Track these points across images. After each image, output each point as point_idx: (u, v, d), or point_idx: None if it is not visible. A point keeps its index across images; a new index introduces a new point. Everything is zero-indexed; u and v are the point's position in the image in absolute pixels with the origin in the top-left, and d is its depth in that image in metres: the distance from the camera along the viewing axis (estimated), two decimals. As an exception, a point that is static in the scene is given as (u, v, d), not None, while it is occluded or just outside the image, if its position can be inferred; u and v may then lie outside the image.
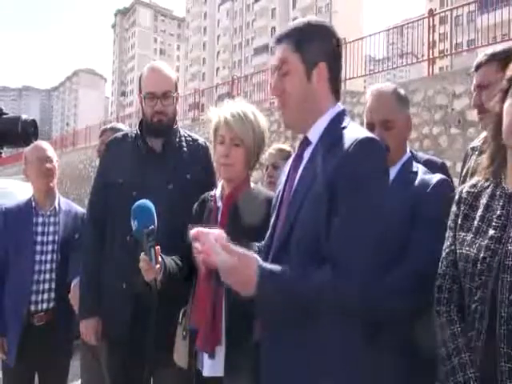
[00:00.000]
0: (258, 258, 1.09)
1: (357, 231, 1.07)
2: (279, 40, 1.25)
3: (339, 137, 1.15)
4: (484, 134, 1.80)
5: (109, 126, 2.94)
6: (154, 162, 1.91)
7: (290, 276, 1.08)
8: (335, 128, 1.19)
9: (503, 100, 1.09)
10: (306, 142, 1.25)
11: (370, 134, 1.15)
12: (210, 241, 1.12)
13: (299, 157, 1.26)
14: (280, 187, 1.32)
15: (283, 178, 1.33)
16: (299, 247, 1.13)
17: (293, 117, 1.25)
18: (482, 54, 1.75)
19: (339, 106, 1.25)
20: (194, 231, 1.21)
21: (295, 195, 1.19)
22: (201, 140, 2.08)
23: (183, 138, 2.01)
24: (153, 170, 1.88)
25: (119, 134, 2.08)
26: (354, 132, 1.15)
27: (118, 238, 1.87)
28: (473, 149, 1.90)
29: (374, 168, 1.11)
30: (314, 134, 1.22)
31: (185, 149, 1.98)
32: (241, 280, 1.08)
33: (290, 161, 1.33)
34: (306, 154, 1.23)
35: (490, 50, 1.73)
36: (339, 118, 1.22)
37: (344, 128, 1.18)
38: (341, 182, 1.08)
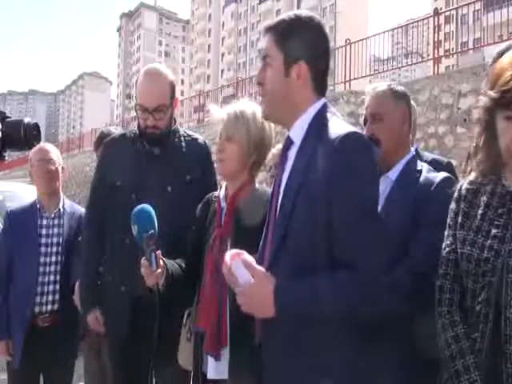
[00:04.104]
0: (272, 277, 1.09)
1: (362, 230, 1.07)
2: (266, 30, 1.26)
3: (322, 135, 1.15)
4: None
5: (103, 132, 2.83)
6: (152, 164, 1.88)
7: (308, 291, 1.07)
8: (318, 127, 1.18)
9: (493, 111, 1.05)
10: (289, 143, 1.25)
11: (351, 128, 1.13)
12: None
13: (284, 158, 1.26)
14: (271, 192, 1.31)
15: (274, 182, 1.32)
16: (294, 252, 1.13)
17: (269, 108, 1.26)
18: (504, 45, 1.70)
19: (320, 102, 1.23)
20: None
21: (284, 201, 1.18)
22: (200, 139, 2.04)
23: (182, 138, 1.97)
24: (152, 172, 1.86)
25: (117, 135, 2.05)
26: (336, 128, 1.14)
27: (117, 241, 1.86)
28: None
29: (360, 162, 1.10)
30: (297, 133, 1.22)
31: (184, 149, 1.94)
32: (258, 302, 1.09)
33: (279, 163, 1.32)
34: (291, 155, 1.23)
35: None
36: (321, 115, 1.21)
37: (326, 125, 1.17)
38: (331, 181, 1.08)
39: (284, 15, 1.27)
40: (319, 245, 1.10)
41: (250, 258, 1.14)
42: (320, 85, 1.25)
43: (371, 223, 1.09)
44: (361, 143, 1.12)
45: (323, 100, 1.24)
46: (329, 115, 1.21)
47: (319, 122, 1.19)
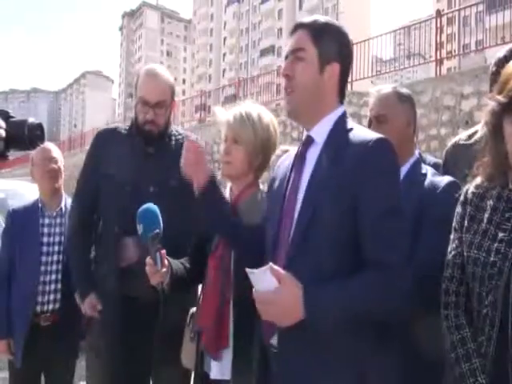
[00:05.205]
0: (299, 282, 1.06)
1: (393, 231, 1.10)
2: (299, 26, 1.25)
3: (348, 138, 1.17)
4: (473, 129, 1.77)
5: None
6: (148, 161, 1.89)
7: (338, 294, 1.07)
8: (342, 130, 1.21)
9: (501, 115, 1.05)
10: (309, 142, 1.25)
11: (377, 134, 1.17)
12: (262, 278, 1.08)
13: (301, 157, 1.25)
14: (279, 188, 1.30)
15: (279, 179, 1.32)
16: (315, 254, 1.12)
17: (296, 105, 1.24)
18: (504, 49, 1.71)
19: (342, 108, 1.26)
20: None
21: (308, 196, 1.17)
22: (193, 137, 2.07)
23: (173, 138, 1.98)
24: (147, 170, 1.87)
25: (109, 127, 2.08)
26: (362, 133, 1.18)
27: (108, 234, 1.88)
28: (463, 145, 1.76)
29: (394, 166, 1.15)
30: (319, 133, 1.23)
31: (178, 149, 1.95)
32: (284, 308, 1.05)
33: (289, 161, 1.32)
34: (310, 154, 1.23)
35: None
36: (343, 119, 1.23)
37: (351, 129, 1.20)
38: (362, 182, 1.10)
39: (315, 17, 1.27)
40: (344, 246, 1.11)
41: None
42: (342, 91, 1.27)
43: (401, 223, 1.12)
44: (391, 148, 1.15)
45: (343, 107, 1.27)
46: (349, 121, 1.24)
47: (343, 125, 1.21)
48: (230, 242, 1.46)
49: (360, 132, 1.18)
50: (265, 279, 1.07)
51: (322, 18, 1.26)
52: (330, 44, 1.21)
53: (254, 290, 1.10)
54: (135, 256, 1.80)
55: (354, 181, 1.10)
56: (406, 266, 1.10)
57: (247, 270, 1.10)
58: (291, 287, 1.05)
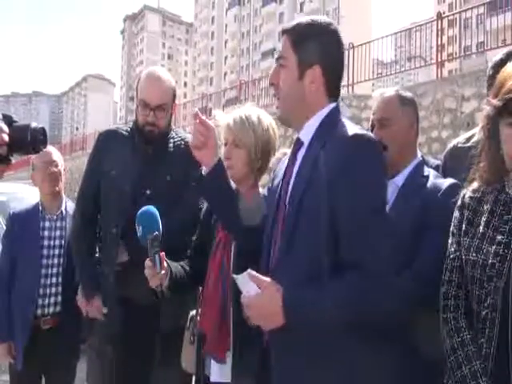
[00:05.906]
0: (280, 287, 1.09)
1: (372, 231, 1.08)
2: (283, 32, 1.27)
3: (331, 135, 1.16)
4: (471, 132, 1.77)
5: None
6: (146, 164, 1.91)
7: (317, 297, 1.07)
8: (327, 127, 1.20)
9: (497, 119, 1.05)
10: (298, 143, 1.26)
11: (360, 130, 1.15)
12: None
13: (293, 158, 1.27)
14: (275, 189, 1.32)
15: (277, 180, 1.34)
16: (300, 256, 1.13)
17: (283, 111, 1.26)
18: (501, 53, 1.71)
19: (331, 105, 1.24)
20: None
21: (291, 202, 1.18)
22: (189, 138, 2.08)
23: (172, 140, 1.99)
24: (146, 172, 1.89)
25: (111, 128, 2.10)
26: (345, 129, 1.16)
27: (108, 235, 1.90)
28: (461, 148, 1.76)
29: (368, 162, 1.12)
30: (306, 134, 1.23)
31: (178, 151, 1.97)
32: (266, 312, 1.09)
33: (284, 164, 1.33)
34: (300, 155, 1.24)
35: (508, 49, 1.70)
36: (331, 117, 1.22)
37: (335, 126, 1.19)
38: (341, 182, 1.08)
39: (302, 19, 1.27)
40: (326, 247, 1.10)
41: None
42: (333, 89, 1.25)
43: (379, 224, 1.10)
44: (370, 144, 1.13)
45: (334, 104, 1.25)
46: (338, 117, 1.22)
47: (328, 124, 1.21)
48: (232, 229, 1.46)
49: (342, 129, 1.16)
50: (247, 284, 1.11)
51: (305, 20, 1.25)
52: (311, 47, 1.20)
53: (242, 294, 1.14)
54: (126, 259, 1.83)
55: (336, 179, 1.09)
56: (388, 268, 1.09)
57: (233, 275, 1.14)
58: (271, 292, 1.08)
